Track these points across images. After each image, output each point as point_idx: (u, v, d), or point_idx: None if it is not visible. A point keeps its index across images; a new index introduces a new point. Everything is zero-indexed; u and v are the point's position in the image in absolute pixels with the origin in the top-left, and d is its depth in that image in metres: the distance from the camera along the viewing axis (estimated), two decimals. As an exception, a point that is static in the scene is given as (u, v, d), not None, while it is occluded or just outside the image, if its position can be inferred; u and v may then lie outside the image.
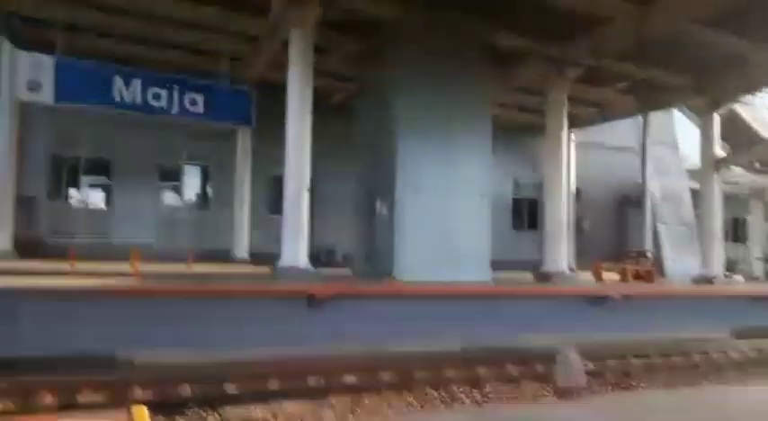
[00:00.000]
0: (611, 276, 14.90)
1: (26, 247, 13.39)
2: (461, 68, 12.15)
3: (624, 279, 14.76)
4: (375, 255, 12.42)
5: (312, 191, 10.93)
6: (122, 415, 4.69)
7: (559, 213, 13.69)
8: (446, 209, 11.93)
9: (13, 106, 13.21)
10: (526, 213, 21.06)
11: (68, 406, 5.91)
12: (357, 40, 12.94)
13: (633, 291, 11.85)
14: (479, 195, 12.31)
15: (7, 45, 13.00)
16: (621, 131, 21.62)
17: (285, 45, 10.98)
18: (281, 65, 11.39)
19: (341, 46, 13.32)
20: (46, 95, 12.55)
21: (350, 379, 7.37)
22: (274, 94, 11.95)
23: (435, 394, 7.17)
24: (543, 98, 14.40)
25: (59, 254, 12.74)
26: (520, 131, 19.63)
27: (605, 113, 18.98)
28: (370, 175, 12.89)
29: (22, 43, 12.89)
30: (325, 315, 8.67)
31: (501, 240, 14.96)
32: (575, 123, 18.25)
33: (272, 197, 16.77)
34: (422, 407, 6.80)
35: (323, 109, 12.11)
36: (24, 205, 14.21)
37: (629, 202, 22.40)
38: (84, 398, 6.16)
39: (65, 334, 7.17)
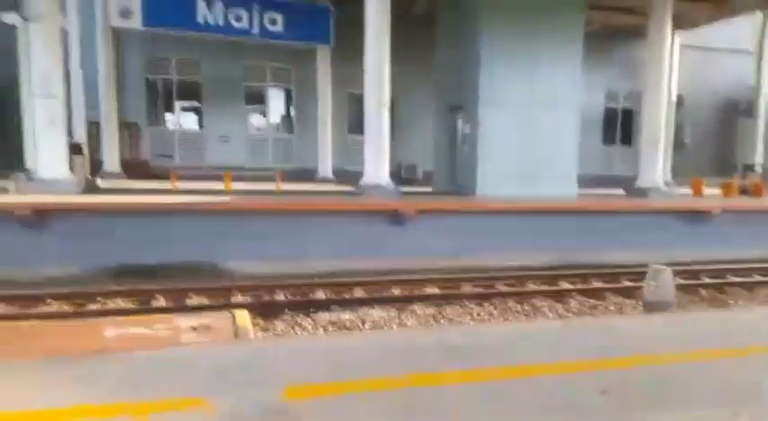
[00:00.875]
0: (713, 192, 13.93)
1: (132, 169, 14.61)
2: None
3: (728, 194, 13.75)
4: (457, 172, 12.33)
5: (392, 107, 10.83)
6: (226, 317, 5.21)
7: (657, 124, 12.74)
8: (531, 124, 11.50)
9: (108, 32, 13.99)
10: (619, 124, 19.75)
11: (179, 308, 6.58)
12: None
13: (735, 206, 11.06)
14: (566, 109, 11.71)
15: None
16: (734, 32, 19.25)
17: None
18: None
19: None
20: (135, 21, 13.12)
21: (432, 290, 7.62)
22: (352, 12, 11.68)
23: (518, 307, 7.28)
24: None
25: (162, 174, 13.81)
26: (615, 35, 17.92)
27: (717, 12, 16.83)
28: (451, 91, 12.52)
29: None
30: (409, 229, 8.88)
31: (591, 154, 14.21)
32: (680, 25, 16.45)
33: (353, 116, 16.83)
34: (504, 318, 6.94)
35: (403, 20, 11.70)
36: (127, 130, 15.36)
37: (738, 111, 20.36)
38: (192, 301, 6.84)
39: (168, 245, 7.90)
